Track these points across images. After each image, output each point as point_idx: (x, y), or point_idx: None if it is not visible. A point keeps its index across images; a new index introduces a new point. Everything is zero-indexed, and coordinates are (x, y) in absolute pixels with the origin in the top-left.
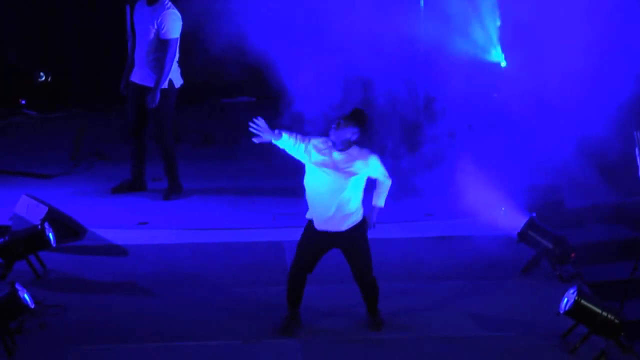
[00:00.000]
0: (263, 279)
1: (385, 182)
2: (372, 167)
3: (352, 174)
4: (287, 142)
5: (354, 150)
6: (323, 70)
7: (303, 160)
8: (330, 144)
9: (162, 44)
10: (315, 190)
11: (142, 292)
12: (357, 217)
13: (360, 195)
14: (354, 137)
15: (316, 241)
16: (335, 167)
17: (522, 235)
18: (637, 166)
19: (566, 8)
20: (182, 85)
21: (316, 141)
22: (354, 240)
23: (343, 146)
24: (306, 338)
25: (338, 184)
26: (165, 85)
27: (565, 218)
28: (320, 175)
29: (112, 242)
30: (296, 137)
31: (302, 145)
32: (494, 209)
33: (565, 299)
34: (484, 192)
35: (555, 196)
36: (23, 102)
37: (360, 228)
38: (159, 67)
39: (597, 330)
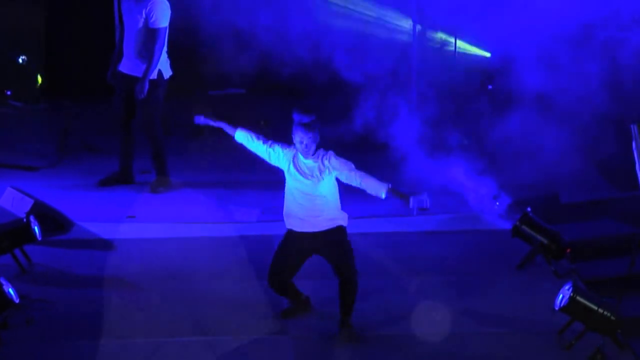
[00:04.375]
0: (252, 273)
1: (356, 176)
2: (335, 166)
3: (323, 177)
4: (251, 143)
5: (320, 153)
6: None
7: (281, 166)
8: (295, 152)
9: (150, 33)
10: (292, 196)
11: (130, 286)
12: (337, 220)
13: (336, 195)
14: (318, 139)
15: (296, 245)
16: (310, 174)
17: (517, 230)
18: (635, 160)
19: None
20: (171, 76)
21: (286, 150)
22: (333, 239)
23: (311, 152)
24: (298, 334)
25: (313, 190)
26: (154, 75)
27: (560, 213)
28: (296, 183)
29: (99, 236)
30: (266, 141)
31: (277, 150)
32: (488, 203)
33: (561, 295)
34: (478, 186)
35: (550, 190)
36: (8, 92)
37: (341, 232)
38: (148, 57)
39: (593, 327)
